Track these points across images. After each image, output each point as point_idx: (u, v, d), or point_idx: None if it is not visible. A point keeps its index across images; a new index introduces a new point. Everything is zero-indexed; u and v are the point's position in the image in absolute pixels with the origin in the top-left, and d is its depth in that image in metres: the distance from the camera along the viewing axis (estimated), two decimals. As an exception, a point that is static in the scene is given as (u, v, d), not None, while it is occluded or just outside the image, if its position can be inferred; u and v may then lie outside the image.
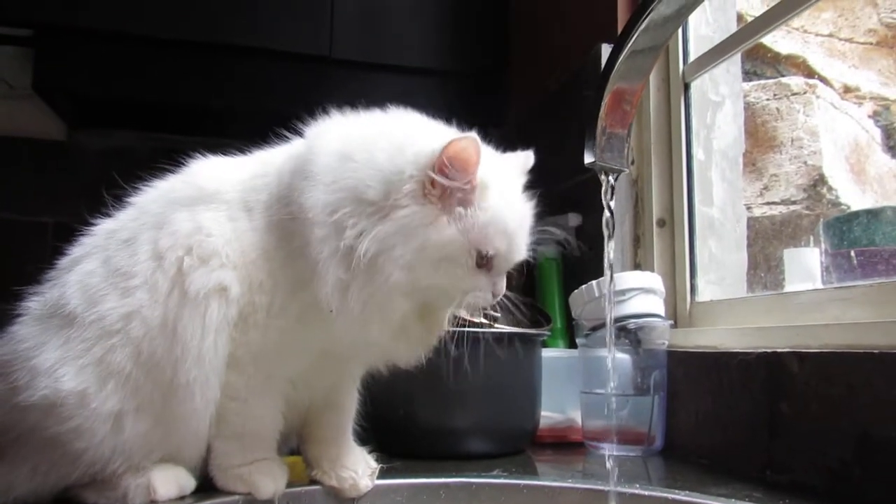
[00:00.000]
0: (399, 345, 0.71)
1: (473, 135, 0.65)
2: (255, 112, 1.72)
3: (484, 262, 0.69)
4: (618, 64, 0.64)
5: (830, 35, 1.99)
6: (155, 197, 0.77)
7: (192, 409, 0.69)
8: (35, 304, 0.74)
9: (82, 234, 0.77)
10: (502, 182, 0.71)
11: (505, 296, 0.74)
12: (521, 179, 0.76)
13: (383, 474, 0.81)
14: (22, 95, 1.73)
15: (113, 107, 1.79)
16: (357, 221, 0.66)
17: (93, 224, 0.77)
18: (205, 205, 0.74)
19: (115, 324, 0.69)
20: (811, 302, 0.95)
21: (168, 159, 0.79)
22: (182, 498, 0.71)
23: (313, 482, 0.78)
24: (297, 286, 0.71)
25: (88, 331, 0.69)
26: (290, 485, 0.76)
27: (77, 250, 0.76)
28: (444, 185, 0.66)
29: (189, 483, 0.73)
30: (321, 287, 0.67)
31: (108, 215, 0.78)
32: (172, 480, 0.72)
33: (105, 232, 0.76)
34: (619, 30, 0.69)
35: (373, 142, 0.70)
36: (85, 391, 0.67)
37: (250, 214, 0.73)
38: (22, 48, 1.70)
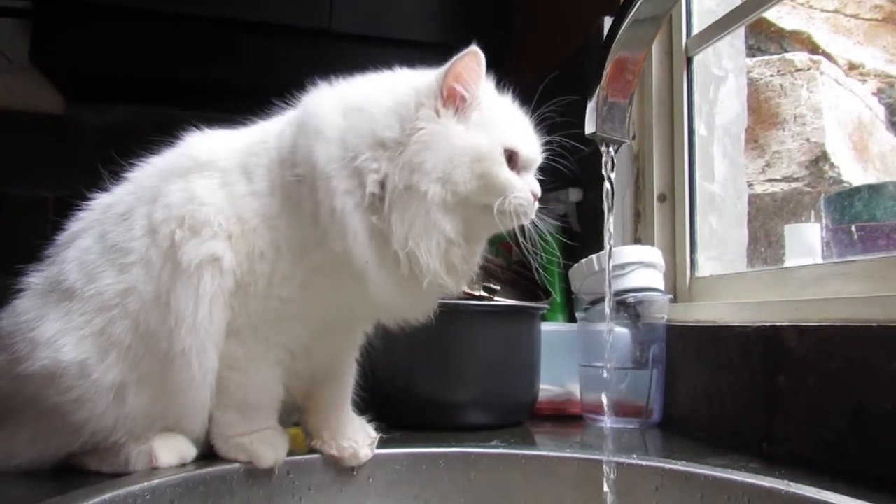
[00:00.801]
0: (448, 276, 0.70)
1: (475, 47, 0.69)
2: (254, 86, 1.71)
3: (512, 162, 0.71)
4: (620, 33, 0.64)
5: (836, 11, 1.97)
6: (150, 171, 0.77)
7: (190, 379, 0.69)
8: (35, 279, 0.74)
9: (80, 209, 0.78)
10: (497, 92, 0.76)
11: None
12: None
13: (383, 444, 0.82)
14: (19, 68, 1.71)
15: (111, 81, 1.78)
16: (379, 166, 0.67)
17: (90, 199, 0.78)
18: (198, 173, 0.73)
19: (113, 299, 0.69)
20: (811, 277, 0.95)
21: (167, 134, 0.79)
22: (183, 465, 0.72)
23: (313, 451, 0.79)
24: (303, 251, 0.70)
25: (88, 304, 0.69)
26: (290, 454, 0.77)
27: (75, 225, 0.77)
28: (460, 93, 0.69)
29: (190, 451, 0.74)
30: (350, 240, 0.67)
31: (106, 190, 0.78)
32: (173, 448, 0.72)
33: (102, 207, 0.76)
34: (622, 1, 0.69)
35: (371, 91, 0.72)
36: (85, 362, 0.67)
37: (249, 179, 0.73)
38: (20, 20, 1.69)
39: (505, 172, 0.70)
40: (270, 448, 0.74)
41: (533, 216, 0.73)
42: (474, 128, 0.70)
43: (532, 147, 0.74)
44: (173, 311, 0.68)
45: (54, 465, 0.72)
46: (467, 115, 0.70)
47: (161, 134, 0.78)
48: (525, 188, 0.71)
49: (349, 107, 0.70)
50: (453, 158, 0.67)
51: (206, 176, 0.73)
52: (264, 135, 0.76)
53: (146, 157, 0.79)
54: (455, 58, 0.69)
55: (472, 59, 0.69)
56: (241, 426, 0.74)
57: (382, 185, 0.67)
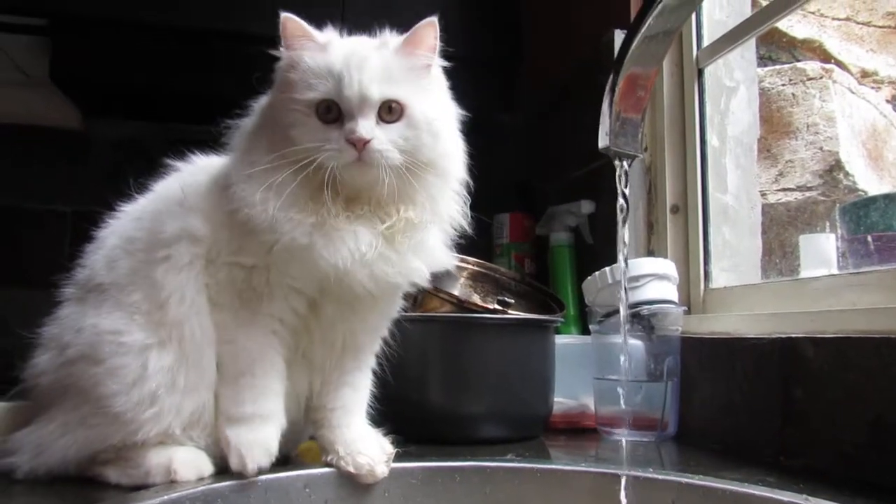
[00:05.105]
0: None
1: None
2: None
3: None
4: (632, 49, 0.64)
5: (847, 19, 1.96)
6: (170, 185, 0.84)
7: (195, 346, 0.74)
8: (70, 287, 0.81)
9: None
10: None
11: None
12: None
13: (398, 458, 0.82)
14: (37, 83, 1.74)
15: (128, 96, 1.80)
16: None
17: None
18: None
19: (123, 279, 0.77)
20: (827, 288, 0.94)
21: (182, 149, 0.82)
22: (201, 479, 0.72)
23: (329, 466, 0.79)
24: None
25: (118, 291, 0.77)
26: (306, 466, 0.78)
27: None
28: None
29: (208, 467, 0.74)
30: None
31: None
32: (191, 463, 0.73)
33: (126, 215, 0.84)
34: (633, 15, 0.69)
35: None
36: (118, 330, 0.73)
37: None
38: (38, 37, 1.72)
39: None
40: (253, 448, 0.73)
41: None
42: None
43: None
44: (160, 285, 0.74)
45: (77, 475, 0.73)
46: None
47: (176, 149, 0.82)
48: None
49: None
50: None
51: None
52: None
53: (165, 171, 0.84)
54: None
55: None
56: (233, 405, 0.74)
57: None
